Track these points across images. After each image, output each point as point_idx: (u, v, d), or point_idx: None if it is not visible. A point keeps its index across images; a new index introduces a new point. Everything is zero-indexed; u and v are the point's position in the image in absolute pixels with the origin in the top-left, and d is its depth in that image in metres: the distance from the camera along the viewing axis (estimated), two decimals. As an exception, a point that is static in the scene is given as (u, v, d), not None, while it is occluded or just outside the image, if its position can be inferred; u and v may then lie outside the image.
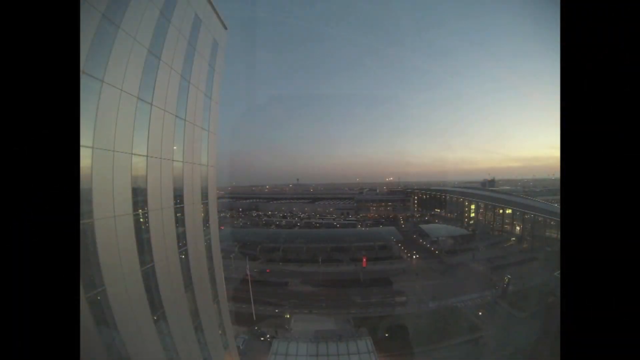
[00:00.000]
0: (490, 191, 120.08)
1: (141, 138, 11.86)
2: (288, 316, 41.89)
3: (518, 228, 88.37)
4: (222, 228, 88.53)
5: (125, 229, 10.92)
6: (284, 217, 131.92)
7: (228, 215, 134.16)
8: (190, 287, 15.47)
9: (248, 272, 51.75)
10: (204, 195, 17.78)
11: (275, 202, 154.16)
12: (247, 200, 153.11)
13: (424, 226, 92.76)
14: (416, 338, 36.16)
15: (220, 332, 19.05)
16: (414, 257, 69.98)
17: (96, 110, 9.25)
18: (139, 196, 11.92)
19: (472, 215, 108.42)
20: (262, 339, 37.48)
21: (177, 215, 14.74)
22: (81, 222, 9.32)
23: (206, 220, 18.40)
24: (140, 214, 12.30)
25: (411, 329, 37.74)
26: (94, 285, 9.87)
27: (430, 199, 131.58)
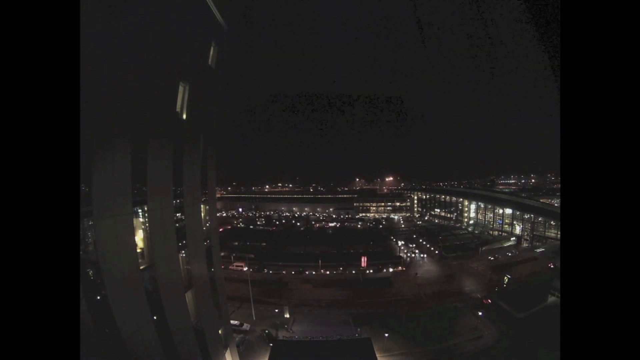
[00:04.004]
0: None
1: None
2: (288, 316, 41.88)
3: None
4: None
5: (125, 229, 10.91)
6: (283, 217, 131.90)
7: (227, 215, 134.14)
8: (190, 287, 15.46)
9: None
10: (204, 195, 17.77)
11: (274, 202, 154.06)
12: (247, 200, 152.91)
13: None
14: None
15: (220, 332, 19.04)
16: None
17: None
18: (139, 196, 11.92)
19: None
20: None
21: (177, 215, 14.74)
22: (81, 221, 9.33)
23: (206, 220, 18.39)
24: (140, 213, 12.32)
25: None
26: (94, 284, 9.88)
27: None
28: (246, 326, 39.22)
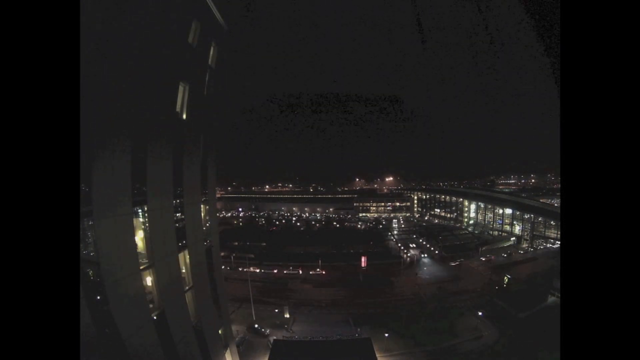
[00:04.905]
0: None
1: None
2: (288, 316, 41.86)
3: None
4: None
5: (125, 229, 10.90)
6: (283, 217, 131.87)
7: (227, 215, 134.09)
8: (190, 287, 15.46)
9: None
10: (204, 195, 17.76)
11: (274, 202, 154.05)
12: (247, 200, 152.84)
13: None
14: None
15: (220, 332, 19.04)
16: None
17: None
18: (139, 196, 11.92)
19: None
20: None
21: (177, 215, 14.73)
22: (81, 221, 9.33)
23: (206, 219, 18.39)
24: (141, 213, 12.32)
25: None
26: (94, 284, 9.88)
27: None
28: (266, 330, 38.99)
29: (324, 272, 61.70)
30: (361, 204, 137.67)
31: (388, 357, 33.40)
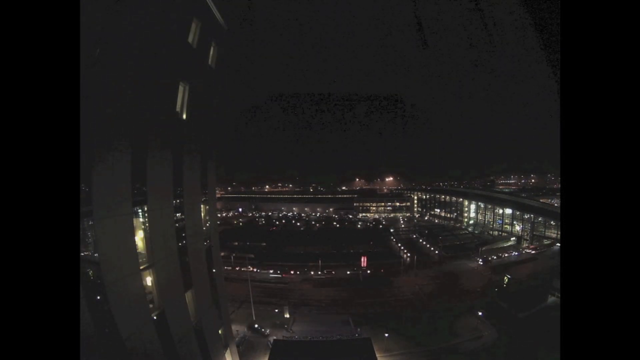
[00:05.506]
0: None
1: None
2: (288, 316, 41.83)
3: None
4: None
5: (125, 229, 10.90)
6: (283, 217, 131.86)
7: (227, 215, 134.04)
8: (190, 287, 15.46)
9: None
10: (204, 195, 17.76)
11: (274, 202, 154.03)
12: (247, 200, 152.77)
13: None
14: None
15: (220, 332, 19.04)
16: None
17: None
18: (139, 196, 11.91)
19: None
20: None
21: (177, 215, 14.73)
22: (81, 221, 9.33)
23: (206, 220, 18.39)
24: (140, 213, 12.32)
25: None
26: (94, 284, 9.89)
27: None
28: (266, 330, 38.80)
29: (333, 272, 61.51)
30: (361, 204, 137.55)
31: (388, 357, 33.38)
